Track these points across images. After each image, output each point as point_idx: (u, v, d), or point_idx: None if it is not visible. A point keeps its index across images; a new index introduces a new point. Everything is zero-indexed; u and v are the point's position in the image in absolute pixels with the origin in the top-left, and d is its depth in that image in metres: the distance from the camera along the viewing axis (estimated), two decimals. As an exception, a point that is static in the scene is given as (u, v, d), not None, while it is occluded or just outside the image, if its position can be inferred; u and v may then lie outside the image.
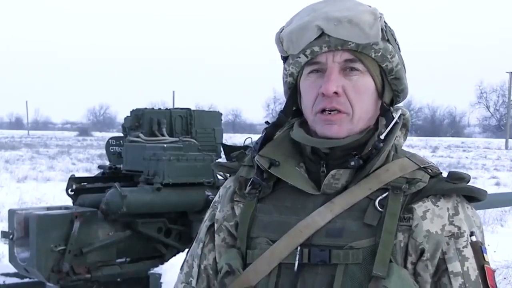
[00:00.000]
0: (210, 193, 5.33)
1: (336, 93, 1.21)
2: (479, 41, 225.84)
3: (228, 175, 1.41)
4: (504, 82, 77.81)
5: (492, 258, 7.24)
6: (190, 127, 6.16)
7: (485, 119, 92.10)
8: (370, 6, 1.24)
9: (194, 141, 5.85)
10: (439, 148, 43.29)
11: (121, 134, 6.31)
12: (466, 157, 33.43)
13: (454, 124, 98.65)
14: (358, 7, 1.22)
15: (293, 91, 1.32)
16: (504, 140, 52.68)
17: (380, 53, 1.23)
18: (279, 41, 1.28)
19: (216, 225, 1.35)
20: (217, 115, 6.53)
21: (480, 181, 18.49)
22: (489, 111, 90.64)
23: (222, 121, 6.62)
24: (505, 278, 6.92)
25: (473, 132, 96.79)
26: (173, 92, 59.89)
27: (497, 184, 18.29)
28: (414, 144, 46.50)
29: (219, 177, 5.49)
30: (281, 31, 1.27)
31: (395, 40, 1.27)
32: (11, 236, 4.81)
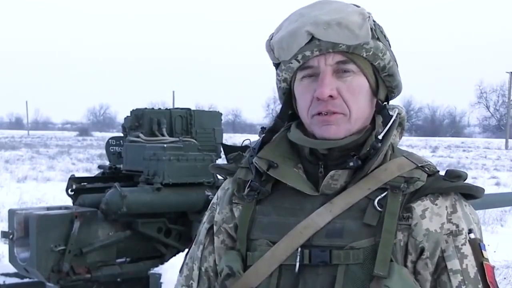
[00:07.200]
0: (210, 193, 5.32)
1: (331, 96, 1.21)
2: (479, 41, 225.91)
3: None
4: (504, 82, 77.85)
5: (492, 258, 7.24)
6: (190, 127, 6.14)
7: (485, 119, 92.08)
8: (358, 7, 1.23)
9: (194, 141, 5.84)
10: (439, 148, 43.23)
11: (121, 134, 6.30)
12: (466, 157, 33.40)
13: (454, 124, 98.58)
14: (346, 9, 1.21)
15: (287, 96, 1.32)
16: (504, 140, 52.63)
17: (371, 52, 1.23)
18: (270, 48, 1.27)
19: (215, 227, 1.34)
20: (217, 115, 6.51)
21: (480, 181, 18.46)
22: (489, 111, 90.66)
23: (222, 121, 6.60)
24: (505, 278, 6.92)
25: (473, 132, 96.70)
26: (173, 92, 60.09)
27: (497, 184, 18.28)
28: (414, 144, 46.49)
29: (219, 177, 5.46)
30: (271, 39, 1.27)
31: (384, 36, 1.27)
32: (11, 236, 4.81)
